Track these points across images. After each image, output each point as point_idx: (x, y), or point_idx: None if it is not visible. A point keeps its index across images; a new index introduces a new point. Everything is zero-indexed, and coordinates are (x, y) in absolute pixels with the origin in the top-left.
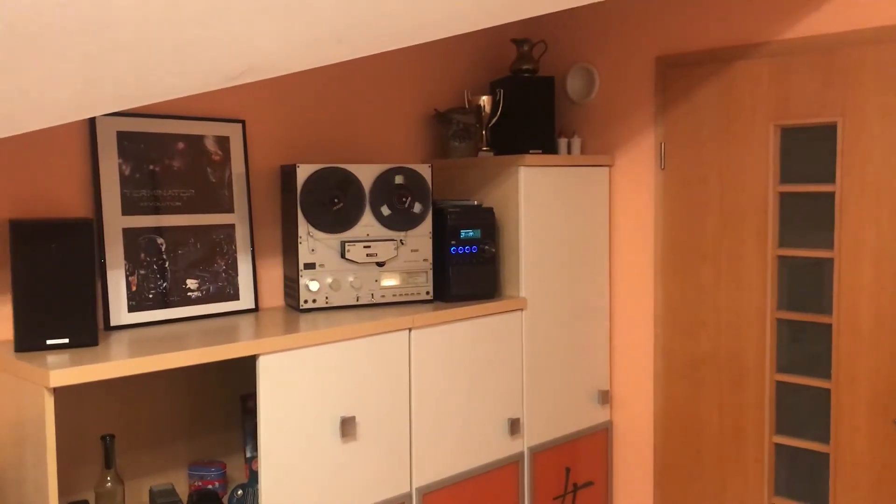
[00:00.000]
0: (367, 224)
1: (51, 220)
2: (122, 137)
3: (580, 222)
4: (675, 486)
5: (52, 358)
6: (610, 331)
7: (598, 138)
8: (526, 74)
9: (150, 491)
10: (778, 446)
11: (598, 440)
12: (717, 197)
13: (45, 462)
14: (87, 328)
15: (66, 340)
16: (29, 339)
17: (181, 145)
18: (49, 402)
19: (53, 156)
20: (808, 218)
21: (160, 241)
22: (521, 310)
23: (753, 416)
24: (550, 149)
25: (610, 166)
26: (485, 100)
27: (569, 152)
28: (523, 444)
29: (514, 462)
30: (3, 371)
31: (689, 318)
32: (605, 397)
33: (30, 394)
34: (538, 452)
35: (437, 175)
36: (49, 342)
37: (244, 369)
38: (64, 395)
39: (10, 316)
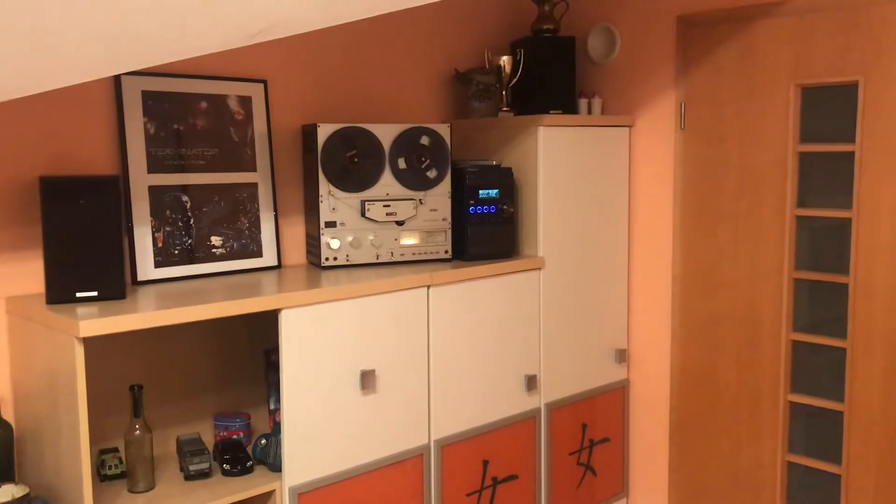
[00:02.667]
0: (387, 183)
1: (79, 177)
2: (147, 97)
3: (599, 182)
4: (691, 444)
5: (81, 310)
6: (628, 290)
7: (618, 98)
8: (547, 34)
9: (177, 440)
10: (793, 404)
11: (614, 398)
12: (737, 157)
13: (76, 410)
14: (115, 281)
15: (95, 293)
16: (59, 292)
17: (204, 105)
18: (79, 352)
19: (81, 115)
20: (828, 178)
21: (185, 198)
22: (539, 269)
23: (769, 375)
24: (571, 109)
25: (630, 126)
26: (505, 60)
27: (589, 112)
28: (540, 400)
29: (530, 417)
30: (35, 322)
31: (707, 277)
32: (622, 356)
33: (61, 344)
34: (555, 409)
35: (457, 135)
36: (79, 295)
37: (268, 324)
38: (94, 347)
39: (42, 270)
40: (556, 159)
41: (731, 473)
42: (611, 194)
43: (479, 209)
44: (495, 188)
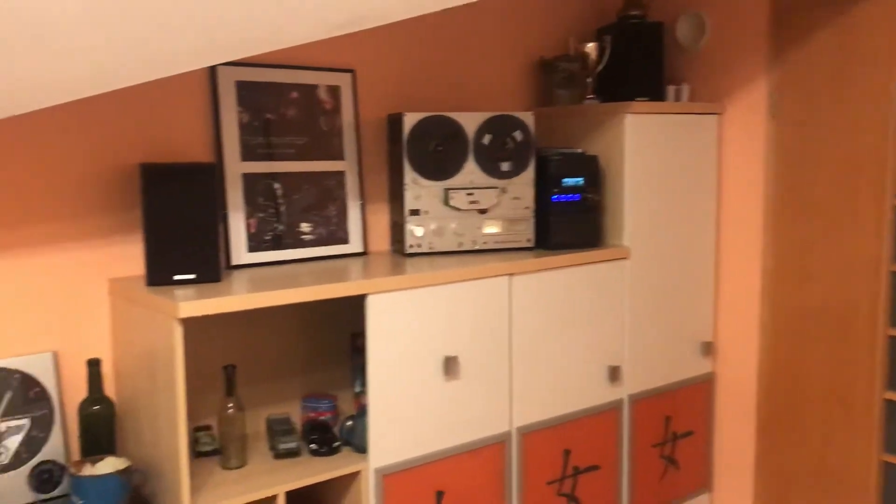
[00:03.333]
0: (471, 171)
1: (178, 164)
2: (241, 87)
3: (687, 171)
4: (779, 440)
5: (179, 292)
6: (715, 282)
7: (707, 86)
8: (634, 21)
9: (268, 419)
10: (889, 402)
11: (699, 391)
12: (832, 146)
13: (174, 388)
14: (211, 265)
15: (193, 276)
16: (159, 275)
17: (295, 94)
18: (178, 332)
19: (179, 105)
20: None
21: (276, 185)
22: (624, 259)
23: (864, 371)
24: (658, 96)
25: (719, 114)
26: (591, 47)
27: (677, 100)
28: (623, 391)
29: (613, 408)
30: (136, 304)
31: (799, 269)
32: (708, 348)
33: (161, 324)
34: (638, 400)
35: (541, 123)
36: (177, 277)
37: (354, 309)
38: (190, 328)
39: (142, 253)
40: (643, 147)
41: (821, 472)
42: (698, 183)
43: (563, 197)
44: (580, 176)
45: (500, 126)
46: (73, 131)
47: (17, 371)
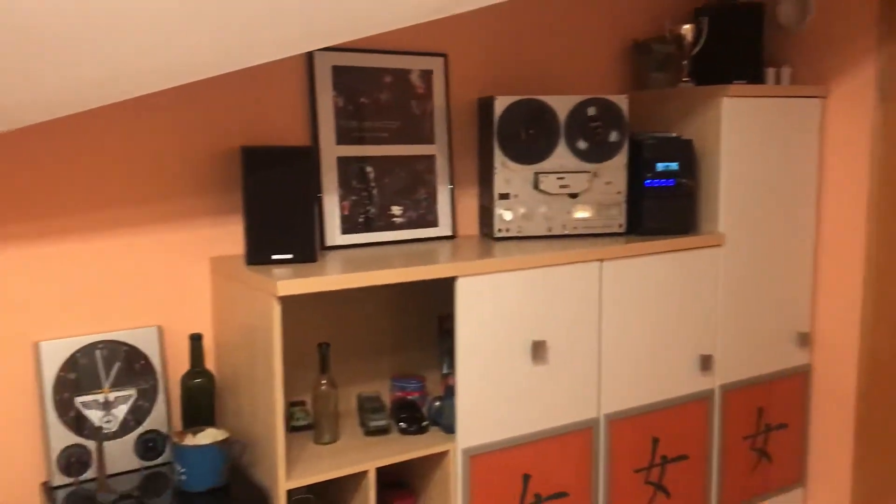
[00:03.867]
0: (561, 155)
1: (276, 147)
2: (337, 72)
3: (787, 156)
4: (880, 436)
5: (277, 271)
6: (814, 271)
7: (810, 68)
8: (732, 0)
9: (359, 397)
10: None
11: (794, 383)
12: None
13: (272, 364)
14: (307, 246)
15: (290, 256)
16: (258, 254)
17: (388, 79)
18: (276, 310)
19: (277, 89)
20: None
21: (369, 169)
22: (719, 246)
23: None
24: (757, 79)
25: (823, 98)
26: (687, 28)
27: (777, 83)
28: (714, 380)
29: (703, 398)
30: (237, 281)
31: None
32: (804, 339)
33: (259, 302)
34: (730, 391)
35: (634, 107)
36: (274, 257)
37: (442, 292)
38: (285, 306)
39: (241, 233)
40: (740, 132)
41: None
42: (799, 169)
43: (656, 182)
44: (674, 161)
45: (592, 109)
46: (179, 116)
47: (125, 344)
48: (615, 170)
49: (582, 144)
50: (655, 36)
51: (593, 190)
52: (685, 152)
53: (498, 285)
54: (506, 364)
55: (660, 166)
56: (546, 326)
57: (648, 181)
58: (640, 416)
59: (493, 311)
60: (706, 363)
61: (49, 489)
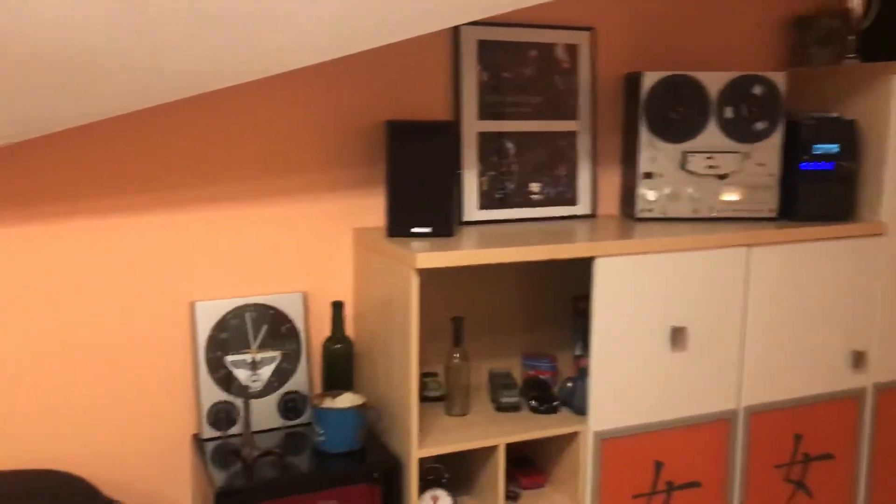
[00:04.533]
0: (711, 134)
1: (421, 121)
2: (482, 46)
3: None
4: None
5: (416, 244)
6: None
7: None
8: None
9: (490, 373)
10: None
11: None
12: None
13: (409, 334)
14: (446, 220)
15: (429, 230)
16: (398, 227)
17: (533, 53)
18: (415, 282)
19: (423, 64)
20: None
21: (509, 145)
22: (880, 234)
23: None
24: None
25: None
26: (856, 1)
27: None
28: (867, 378)
29: (853, 397)
30: (377, 253)
31: None
32: None
33: (399, 274)
34: (885, 389)
35: (792, 85)
36: (414, 230)
37: (578, 272)
38: (423, 279)
39: (381, 206)
40: None
41: None
42: None
43: (813, 165)
44: (834, 143)
45: (746, 87)
46: (330, 90)
47: (272, 308)
48: (768, 151)
49: (734, 123)
50: (820, 9)
51: (744, 171)
52: (847, 134)
53: (638, 267)
54: (643, 348)
55: (818, 148)
56: (687, 312)
57: (805, 164)
58: (782, 411)
59: (633, 293)
60: (859, 360)
61: (199, 441)
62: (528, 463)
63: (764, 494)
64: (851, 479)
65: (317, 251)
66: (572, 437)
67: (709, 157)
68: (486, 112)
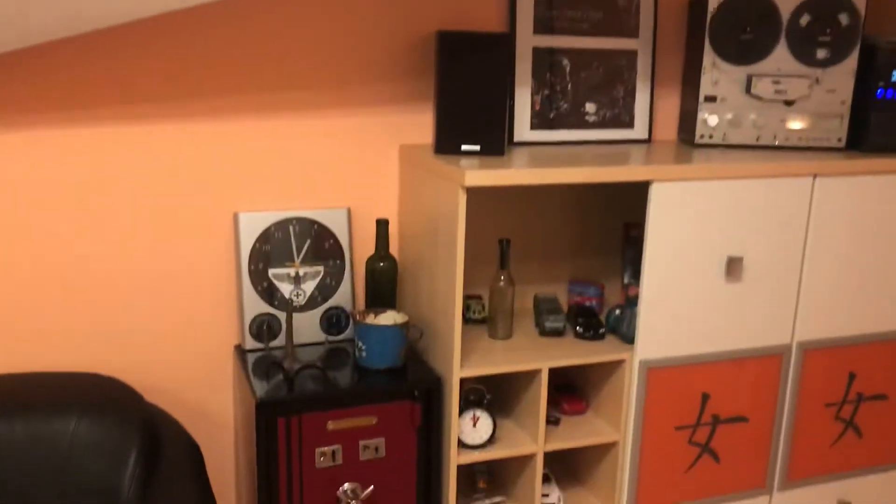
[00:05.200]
0: (780, 57)
1: (473, 32)
2: None
3: None
4: None
5: (464, 161)
6: None
7: None
8: None
9: (535, 297)
10: None
11: None
12: None
13: (454, 253)
14: (496, 139)
15: (478, 148)
16: (446, 144)
17: None
18: (462, 200)
19: None
20: None
21: (565, 62)
22: None
23: None
24: None
25: None
26: None
27: None
28: None
29: None
30: (423, 170)
31: None
32: None
33: (446, 191)
34: None
35: (870, 6)
36: (463, 148)
37: (630, 198)
38: (469, 199)
39: (429, 122)
40: None
41: None
42: None
43: (889, 93)
44: None
45: (821, 7)
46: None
47: (316, 222)
48: (841, 76)
49: (805, 46)
50: None
51: (813, 98)
52: None
53: (697, 194)
54: (696, 278)
55: None
56: (745, 242)
57: (881, 91)
58: (837, 349)
59: (689, 220)
60: None
61: (242, 352)
62: (570, 389)
63: (812, 433)
64: None
65: (362, 167)
66: (617, 365)
67: (776, 82)
68: (542, 26)
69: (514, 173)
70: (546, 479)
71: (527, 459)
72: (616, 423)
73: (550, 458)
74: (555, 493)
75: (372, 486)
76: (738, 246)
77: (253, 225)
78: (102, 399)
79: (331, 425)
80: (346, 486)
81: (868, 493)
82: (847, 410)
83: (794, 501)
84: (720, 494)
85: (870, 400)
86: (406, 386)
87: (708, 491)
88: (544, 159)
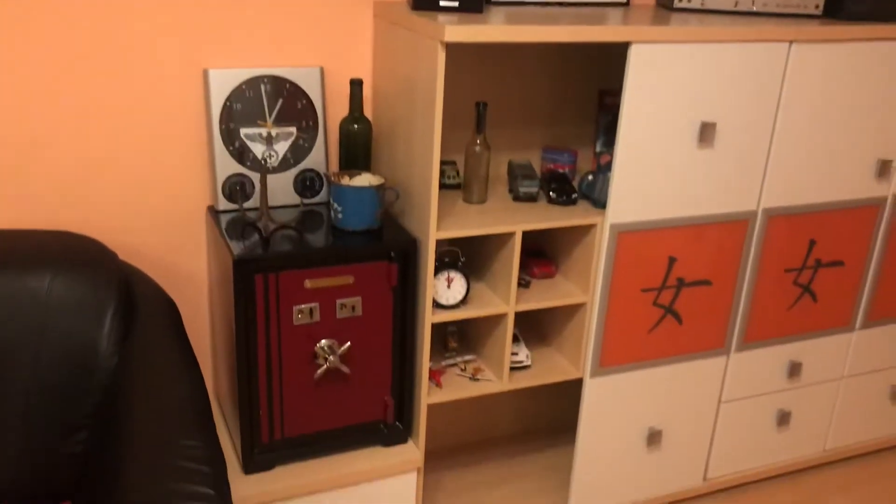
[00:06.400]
0: None
1: None
2: None
3: None
4: None
5: (443, 17)
6: None
7: None
8: None
9: (510, 163)
10: None
11: None
12: None
13: (433, 113)
14: None
15: (456, 4)
16: None
17: None
18: (441, 56)
19: None
20: None
21: None
22: None
23: None
24: None
25: None
26: None
27: None
28: (889, 188)
29: (873, 205)
30: (401, 27)
31: None
32: None
33: (424, 49)
34: None
35: None
36: (442, 3)
37: (605, 64)
38: (445, 60)
39: None
40: None
41: None
42: None
43: None
44: None
45: None
46: None
47: (288, 81)
48: None
49: None
50: None
51: None
52: None
53: (675, 57)
54: (669, 143)
55: None
56: (719, 107)
57: None
58: (800, 216)
59: (666, 84)
60: (884, 169)
61: (215, 213)
62: (540, 254)
63: (771, 296)
64: (857, 286)
65: (335, 24)
66: (588, 229)
67: None
68: None
69: (495, 29)
70: (515, 339)
71: (498, 319)
72: (584, 286)
73: (520, 320)
74: (523, 352)
75: (349, 343)
76: (711, 112)
77: (223, 82)
78: (77, 256)
79: (308, 284)
80: (324, 342)
81: (818, 355)
82: (805, 276)
83: (750, 361)
84: (680, 354)
85: (827, 266)
86: (382, 247)
87: (669, 351)
88: (522, 17)
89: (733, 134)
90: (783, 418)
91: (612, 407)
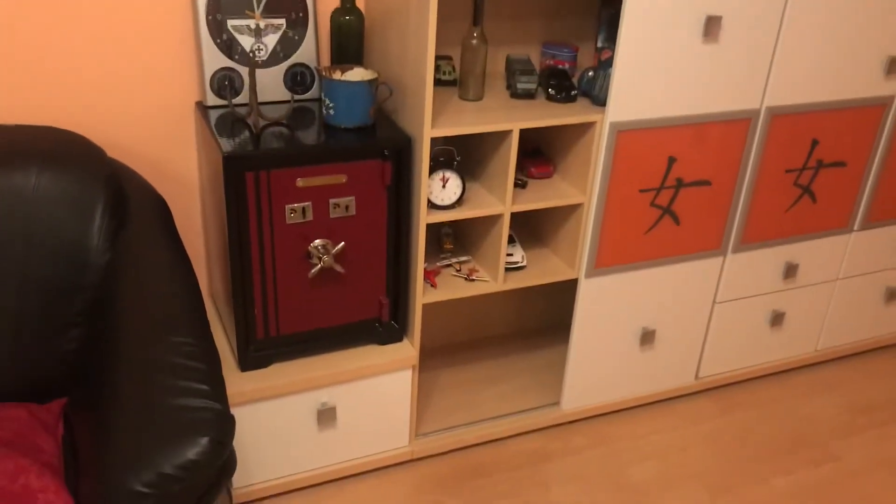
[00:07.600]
0: None
1: None
2: None
3: None
4: None
5: None
6: None
7: None
8: None
9: (508, 58)
10: None
11: None
12: None
13: (427, 5)
14: None
15: None
16: None
17: None
18: None
19: None
20: None
21: None
22: None
23: None
24: None
25: None
26: None
27: None
28: None
29: (880, 104)
30: None
31: None
32: None
33: None
34: None
35: None
36: None
37: None
38: None
39: None
40: None
41: None
42: None
43: None
44: None
45: None
46: None
47: None
48: None
49: None
50: None
51: None
52: None
53: None
54: (673, 37)
55: None
56: (725, 0)
57: None
58: (804, 115)
59: None
60: (893, 67)
61: (203, 108)
62: (538, 154)
63: (770, 197)
64: (857, 187)
65: None
66: (587, 128)
67: None
68: None
69: None
70: (511, 240)
71: (493, 220)
72: (582, 186)
73: (515, 221)
74: (518, 253)
75: (343, 243)
76: (717, 4)
77: None
78: (63, 151)
79: (300, 182)
80: (317, 241)
81: (815, 256)
82: (806, 176)
83: (747, 263)
84: (677, 255)
85: (829, 167)
86: (376, 144)
87: (665, 252)
88: None
89: (739, 28)
90: (776, 319)
91: (607, 307)
